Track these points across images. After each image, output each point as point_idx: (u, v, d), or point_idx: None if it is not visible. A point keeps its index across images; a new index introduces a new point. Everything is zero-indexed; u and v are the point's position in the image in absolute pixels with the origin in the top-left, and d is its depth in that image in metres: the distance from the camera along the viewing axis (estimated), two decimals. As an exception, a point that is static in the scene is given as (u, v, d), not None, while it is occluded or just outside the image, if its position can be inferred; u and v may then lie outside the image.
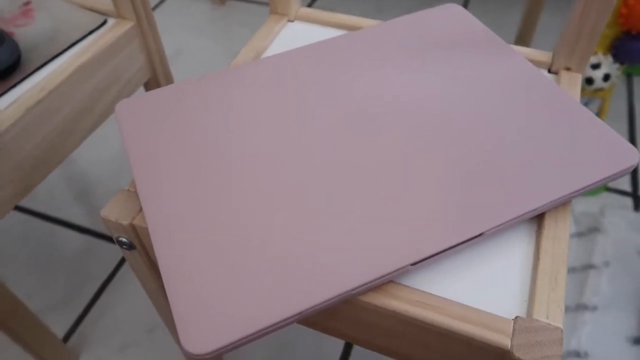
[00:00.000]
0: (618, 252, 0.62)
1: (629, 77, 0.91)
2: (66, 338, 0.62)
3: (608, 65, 0.64)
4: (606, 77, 0.63)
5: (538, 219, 0.30)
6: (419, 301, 0.26)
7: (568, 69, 0.41)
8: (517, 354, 0.24)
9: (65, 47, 0.48)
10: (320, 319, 0.30)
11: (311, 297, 0.25)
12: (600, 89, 0.65)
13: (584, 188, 0.30)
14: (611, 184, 0.74)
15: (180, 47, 1.05)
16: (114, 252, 0.70)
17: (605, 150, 0.31)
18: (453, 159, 0.31)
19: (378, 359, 0.58)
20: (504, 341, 0.25)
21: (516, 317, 0.26)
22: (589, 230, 0.64)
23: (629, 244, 0.64)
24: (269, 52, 0.44)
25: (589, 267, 0.61)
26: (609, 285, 0.59)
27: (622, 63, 0.64)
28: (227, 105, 0.35)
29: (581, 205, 0.69)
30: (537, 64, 0.41)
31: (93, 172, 0.80)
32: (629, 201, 0.71)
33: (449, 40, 0.40)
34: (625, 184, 0.74)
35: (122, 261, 0.69)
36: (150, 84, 0.57)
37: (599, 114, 0.71)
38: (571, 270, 0.62)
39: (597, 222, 0.65)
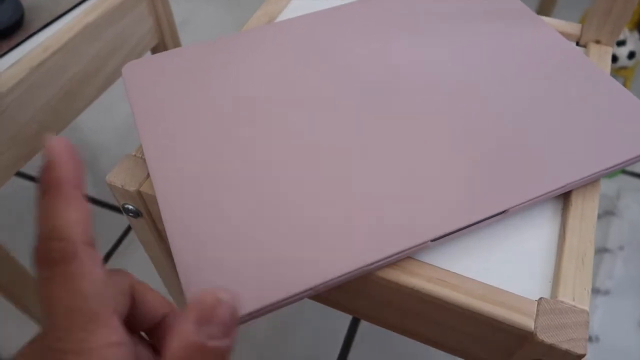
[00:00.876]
0: (633, 236, 0.61)
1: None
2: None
3: (634, 42, 0.61)
4: (631, 55, 0.61)
5: (564, 197, 0.29)
6: (438, 279, 0.25)
7: (597, 42, 0.38)
8: (540, 336, 0.23)
9: (71, 6, 0.46)
10: (334, 294, 0.29)
11: (326, 271, 0.24)
12: (624, 67, 0.63)
13: (615, 166, 0.28)
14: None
15: (188, 15, 1.02)
16: (118, 222, 0.69)
17: (637, 127, 0.30)
18: (477, 132, 0.29)
19: (385, 336, 0.58)
20: (528, 323, 0.24)
21: (540, 298, 0.25)
22: (604, 213, 0.63)
23: (644, 228, 0.62)
24: (283, 16, 0.42)
25: (603, 250, 0.60)
26: (622, 269, 0.58)
27: (648, 40, 0.62)
28: (238, 69, 0.34)
29: (596, 188, 0.68)
30: (565, 36, 0.39)
31: (98, 140, 0.79)
32: (645, 185, 0.69)
33: (477, 9, 0.38)
34: (641, 167, 0.72)
35: (127, 231, 0.68)
36: (158, 50, 0.55)
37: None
38: (584, 253, 0.60)
39: (613, 205, 0.64)
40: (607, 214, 0.63)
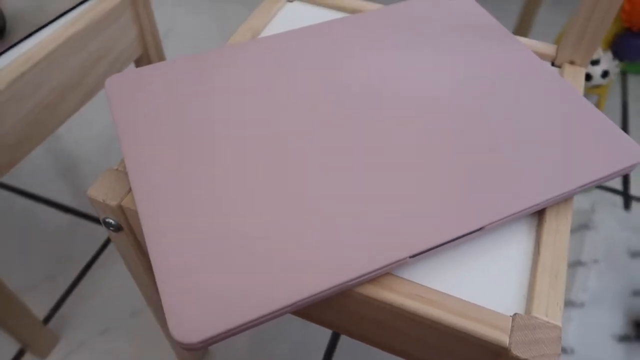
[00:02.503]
0: (607, 250, 0.62)
1: (623, 75, 0.91)
2: (47, 320, 0.60)
3: (607, 61, 0.63)
4: (605, 74, 0.63)
5: (539, 214, 0.30)
6: (416, 295, 0.26)
7: (572, 62, 0.40)
8: (515, 351, 0.24)
9: (54, 17, 0.46)
10: (314, 310, 0.30)
11: (306, 287, 0.24)
12: (598, 86, 0.65)
13: (587, 184, 0.29)
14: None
15: (173, 24, 1.02)
16: (99, 233, 0.68)
17: (609, 146, 0.31)
18: (454, 150, 0.30)
19: (365, 350, 0.58)
20: (502, 338, 0.24)
21: (515, 314, 0.25)
22: (579, 227, 0.64)
23: (618, 242, 0.64)
24: (267, 32, 0.43)
25: (577, 263, 0.61)
26: (597, 282, 0.59)
27: (621, 60, 0.64)
28: (222, 84, 0.34)
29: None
30: (541, 56, 0.41)
31: (79, 151, 0.78)
32: (619, 199, 0.71)
33: (452, 28, 0.39)
34: (616, 182, 0.74)
35: (107, 243, 0.68)
36: (142, 61, 0.55)
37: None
38: (560, 266, 0.62)
39: (588, 219, 0.65)
40: (581, 227, 0.64)
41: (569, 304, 0.58)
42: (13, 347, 0.58)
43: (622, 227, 0.65)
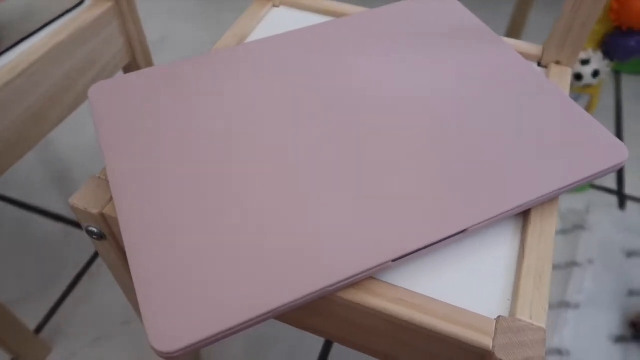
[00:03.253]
0: (602, 251, 0.62)
1: (617, 74, 0.91)
2: (38, 330, 0.60)
3: (598, 61, 0.63)
4: (595, 74, 0.63)
5: (524, 216, 0.30)
6: (399, 299, 0.25)
7: (558, 62, 0.40)
8: (498, 354, 0.24)
9: (40, 26, 0.46)
10: (297, 315, 0.29)
11: (286, 293, 0.24)
12: (589, 85, 0.65)
13: (571, 184, 0.29)
14: (597, 182, 0.74)
15: (166, 33, 1.03)
16: (90, 242, 0.68)
17: (594, 146, 0.30)
18: (437, 152, 0.30)
19: (358, 356, 0.57)
20: (486, 341, 0.24)
21: (498, 317, 0.25)
22: (573, 228, 0.64)
23: (613, 242, 0.64)
24: (253, 37, 0.43)
25: (572, 264, 0.61)
26: (592, 283, 0.59)
27: (612, 59, 0.64)
28: (207, 90, 0.34)
29: (567, 202, 0.69)
30: (527, 57, 0.40)
31: (70, 158, 0.78)
32: (614, 199, 0.71)
33: (438, 30, 0.39)
34: (611, 182, 0.74)
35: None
36: (131, 69, 0.55)
37: (587, 110, 0.71)
38: (555, 267, 0.62)
39: (582, 219, 0.65)
40: (576, 228, 0.64)
41: (564, 305, 0.58)
42: (4, 359, 0.58)
43: (617, 227, 0.65)
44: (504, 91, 0.34)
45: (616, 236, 0.63)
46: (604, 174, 0.30)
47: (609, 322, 0.56)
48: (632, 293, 0.59)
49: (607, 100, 0.86)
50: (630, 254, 0.62)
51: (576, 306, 0.57)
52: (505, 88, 0.34)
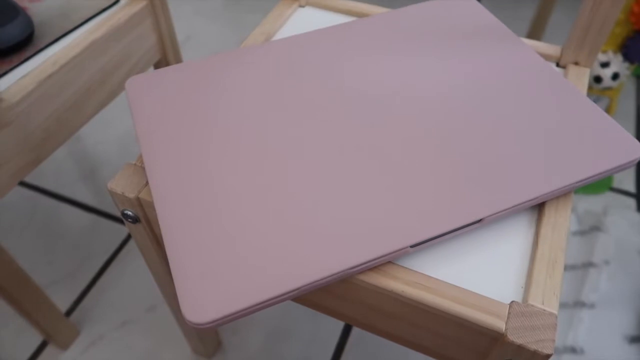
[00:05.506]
0: (619, 252, 0.62)
1: (638, 78, 0.91)
2: (68, 313, 0.63)
3: (618, 64, 0.63)
4: (615, 76, 0.63)
5: (539, 208, 0.31)
6: (416, 282, 0.27)
7: (576, 63, 0.41)
8: (511, 337, 0.25)
9: (78, 23, 0.48)
10: (317, 296, 0.31)
11: (310, 273, 0.25)
12: (609, 88, 0.65)
13: (585, 179, 0.30)
14: (615, 184, 0.73)
15: (191, 32, 1.05)
16: (118, 231, 0.71)
17: (608, 142, 0.31)
18: (458, 145, 0.31)
19: (375, 343, 0.59)
20: (499, 324, 0.25)
21: (512, 302, 0.26)
22: (590, 229, 0.64)
23: (630, 243, 0.64)
24: (279, 35, 0.45)
25: (589, 265, 0.61)
26: (608, 283, 0.59)
27: (632, 62, 0.64)
28: (236, 84, 0.36)
29: (585, 204, 0.69)
30: (546, 57, 0.41)
31: (100, 152, 0.81)
32: (632, 202, 0.71)
33: (458, 30, 0.40)
34: (629, 184, 0.74)
35: (125, 240, 0.70)
36: (161, 66, 0.57)
37: (606, 113, 0.71)
38: (571, 267, 0.62)
39: (600, 221, 0.65)
40: (593, 229, 0.64)
41: (579, 304, 0.58)
42: (37, 339, 0.60)
43: (634, 229, 0.65)
44: (522, 90, 0.35)
45: (633, 238, 0.63)
46: (617, 170, 0.31)
47: (624, 322, 0.57)
48: (648, 294, 0.59)
49: (628, 104, 0.86)
50: (647, 256, 0.62)
51: (591, 306, 0.58)
52: (523, 87, 0.35)
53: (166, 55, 0.56)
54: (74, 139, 0.83)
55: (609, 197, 0.71)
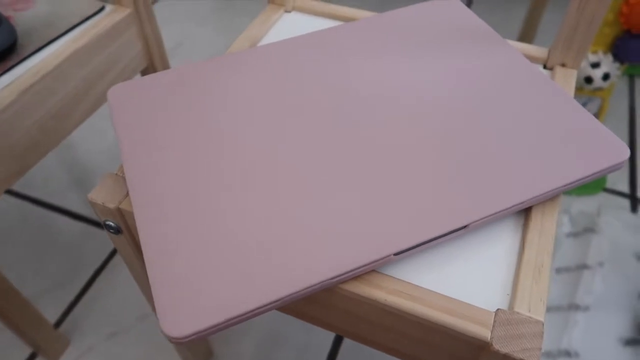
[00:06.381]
0: (613, 253, 0.62)
1: (631, 78, 0.91)
2: (57, 324, 0.62)
3: (608, 64, 0.63)
4: (606, 77, 0.63)
5: (525, 213, 0.30)
6: (400, 291, 0.26)
7: (563, 65, 0.40)
8: (496, 345, 0.24)
9: (62, 31, 0.48)
10: (301, 306, 0.30)
11: (292, 284, 0.25)
12: (600, 89, 0.65)
13: (572, 183, 0.29)
14: (609, 185, 0.73)
15: (182, 38, 1.05)
16: (108, 240, 0.70)
17: (595, 145, 0.31)
18: (441, 149, 0.31)
19: (369, 351, 0.58)
20: (484, 333, 0.25)
21: (497, 310, 0.26)
22: (584, 230, 0.64)
23: (624, 245, 0.63)
24: (265, 41, 0.44)
25: (582, 267, 0.61)
26: (602, 285, 0.59)
27: (622, 62, 0.64)
28: (220, 91, 0.35)
29: (578, 205, 0.69)
30: (533, 59, 0.41)
31: (90, 160, 0.80)
32: (626, 202, 0.71)
33: (445, 33, 0.40)
34: (623, 185, 0.73)
35: (115, 249, 0.69)
36: (148, 73, 0.57)
37: (598, 114, 0.70)
38: (565, 269, 0.61)
39: (593, 222, 0.65)
40: (587, 231, 0.64)
41: (574, 307, 0.57)
42: (25, 351, 0.60)
43: (629, 230, 0.64)
44: (507, 93, 0.35)
45: (627, 239, 0.63)
46: (604, 172, 0.30)
47: (619, 324, 0.56)
48: (642, 296, 0.58)
49: (620, 104, 0.86)
50: (641, 257, 0.62)
51: (586, 308, 0.57)
52: (508, 90, 0.35)
53: (153, 63, 0.56)
54: (64, 147, 0.83)
55: (602, 198, 0.71)
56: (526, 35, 0.89)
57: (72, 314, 0.63)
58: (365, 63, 0.37)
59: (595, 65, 0.63)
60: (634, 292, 0.58)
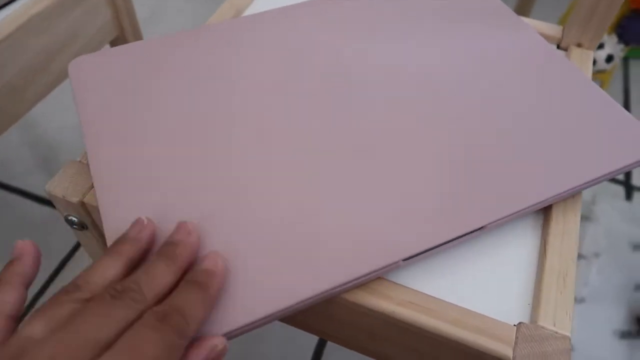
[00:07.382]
0: (609, 243, 0.61)
1: (625, 60, 0.89)
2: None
3: (612, 45, 0.60)
4: (609, 58, 0.60)
5: (545, 211, 0.27)
6: (410, 302, 0.23)
7: (579, 45, 0.37)
8: (519, 366, 0.21)
9: (16, -5, 0.42)
10: (301, 316, 0.27)
11: (291, 295, 0.22)
12: (602, 71, 0.62)
13: (597, 179, 0.27)
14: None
15: (157, 7, 0.98)
16: (78, 226, 0.66)
17: (621, 136, 0.28)
18: (453, 142, 0.28)
19: (353, 356, 0.56)
20: (505, 351, 0.22)
21: (519, 324, 0.23)
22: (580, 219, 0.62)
23: (620, 233, 0.62)
24: (251, 10, 0.40)
25: (578, 257, 0.59)
26: (598, 277, 0.58)
27: (627, 44, 0.61)
28: (197, 66, 0.31)
29: (572, 192, 0.67)
30: (545, 38, 0.38)
31: (56, 139, 0.75)
32: (620, 190, 0.69)
33: (458, 8, 0.36)
34: (617, 171, 0.72)
35: (87, 236, 0.65)
36: (117, 45, 0.51)
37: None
38: (559, 259, 0.60)
39: (589, 210, 0.63)
40: (582, 219, 0.62)
41: (568, 299, 0.56)
42: (-14, 347, 0.55)
43: (624, 218, 0.63)
44: (525, 77, 0.31)
45: (623, 228, 0.62)
46: (631, 167, 0.28)
47: (615, 317, 0.55)
48: (638, 287, 0.57)
49: (615, 86, 0.84)
50: (637, 247, 0.61)
51: (581, 300, 0.56)
52: (525, 74, 0.32)
53: (124, 33, 0.51)
54: (27, 125, 0.77)
55: (597, 185, 0.70)
56: (522, 10, 0.85)
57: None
58: (365, 39, 0.33)
59: (599, 46, 0.60)
60: (630, 283, 0.58)
